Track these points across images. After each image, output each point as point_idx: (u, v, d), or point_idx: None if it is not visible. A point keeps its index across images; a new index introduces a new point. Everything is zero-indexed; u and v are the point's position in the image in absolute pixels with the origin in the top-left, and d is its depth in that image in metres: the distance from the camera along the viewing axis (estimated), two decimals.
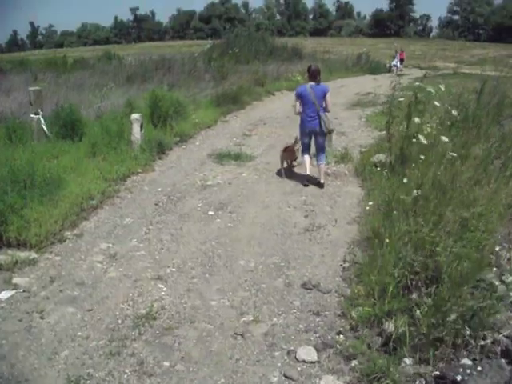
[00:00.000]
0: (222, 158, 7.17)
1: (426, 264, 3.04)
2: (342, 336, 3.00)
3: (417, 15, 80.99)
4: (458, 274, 2.83)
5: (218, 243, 4.39)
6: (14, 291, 3.50)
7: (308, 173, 6.03)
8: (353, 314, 3.10)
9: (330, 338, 3.01)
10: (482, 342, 2.50)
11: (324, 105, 5.73)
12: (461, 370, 2.29)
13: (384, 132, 6.53)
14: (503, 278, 2.86)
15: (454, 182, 3.93)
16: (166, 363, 2.81)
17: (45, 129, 6.65)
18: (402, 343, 2.66)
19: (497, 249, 3.24)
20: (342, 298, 3.42)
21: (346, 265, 3.92)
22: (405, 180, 4.12)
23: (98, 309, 3.34)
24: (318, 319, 3.23)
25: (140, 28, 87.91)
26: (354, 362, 2.73)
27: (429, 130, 5.15)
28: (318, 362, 2.81)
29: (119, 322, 3.19)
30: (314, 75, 5.70)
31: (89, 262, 4.02)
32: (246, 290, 3.61)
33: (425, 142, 3.67)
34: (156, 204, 5.36)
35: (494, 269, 3.01)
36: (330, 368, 2.76)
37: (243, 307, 3.39)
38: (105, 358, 2.84)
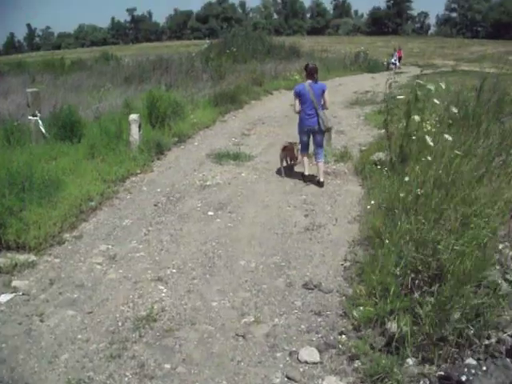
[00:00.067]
0: (220, 157, 7.14)
1: (428, 262, 3.01)
2: (344, 336, 2.98)
3: (414, 13, 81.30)
4: (461, 273, 2.81)
5: (218, 243, 4.37)
6: (13, 294, 3.48)
7: (306, 173, 6.09)
8: (355, 314, 3.07)
9: (332, 338, 2.99)
10: (487, 342, 2.48)
11: (322, 102, 5.76)
12: (465, 369, 2.26)
13: (383, 130, 6.50)
14: (507, 276, 2.84)
15: (456, 179, 3.90)
16: (167, 365, 2.79)
17: (43, 130, 6.62)
18: (405, 343, 2.64)
19: (500, 247, 3.22)
20: (344, 297, 3.40)
21: (347, 264, 3.90)
22: (406, 179, 4.10)
23: (98, 311, 3.31)
24: (319, 319, 3.21)
25: (137, 29, 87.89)
26: (356, 363, 2.71)
27: (429, 127, 5.13)
28: (321, 362, 2.79)
29: (119, 324, 3.17)
30: (311, 73, 5.73)
31: (88, 263, 4.00)
32: (247, 291, 3.59)
33: (431, 143, 3.62)
34: (155, 205, 5.33)
35: (498, 267, 2.98)
36: (333, 369, 2.74)
37: (244, 308, 3.36)
38: (105, 360, 2.81)
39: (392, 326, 2.76)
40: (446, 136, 3.53)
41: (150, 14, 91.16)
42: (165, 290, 3.58)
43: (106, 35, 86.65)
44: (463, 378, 2.23)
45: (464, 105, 6.26)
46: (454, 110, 5.40)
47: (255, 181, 6.18)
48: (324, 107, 5.78)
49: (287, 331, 3.09)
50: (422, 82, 5.41)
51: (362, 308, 3.09)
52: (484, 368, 2.25)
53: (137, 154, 6.61)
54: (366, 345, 2.79)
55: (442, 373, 2.39)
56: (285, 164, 6.45)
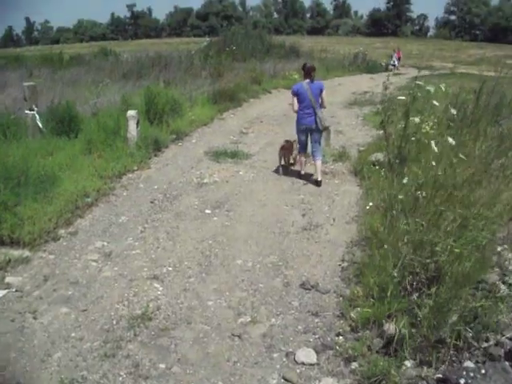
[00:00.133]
0: (218, 155, 7.10)
1: (426, 264, 2.99)
2: (341, 337, 2.95)
3: (414, 15, 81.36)
4: (459, 275, 2.79)
5: (214, 242, 4.33)
6: (6, 291, 3.43)
7: (303, 172, 6.15)
8: (352, 315, 3.05)
9: (329, 339, 2.97)
10: (485, 344, 2.46)
11: (320, 101, 5.77)
12: (464, 372, 2.24)
13: (382, 131, 6.49)
14: (506, 278, 2.82)
15: (454, 181, 3.88)
16: (162, 365, 2.76)
17: (40, 125, 6.56)
18: (403, 345, 2.62)
19: (499, 249, 3.20)
20: (341, 298, 3.38)
21: (345, 265, 3.88)
22: (405, 180, 4.07)
23: (93, 309, 3.27)
24: (316, 320, 3.18)
25: (137, 25, 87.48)
26: (354, 364, 2.69)
27: (427, 128, 5.11)
28: (318, 364, 2.77)
29: (114, 322, 3.13)
30: (309, 73, 5.77)
31: (83, 260, 3.95)
32: (244, 290, 3.55)
33: (436, 148, 3.60)
34: (152, 202, 5.28)
35: (497, 269, 2.96)
36: (330, 370, 2.71)
37: (241, 308, 3.33)
38: (99, 359, 2.77)
39: (390, 328, 2.74)
40: (450, 140, 3.50)
41: (149, 10, 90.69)
42: (160, 289, 3.54)
43: (105, 31, 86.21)
44: (462, 381, 2.21)
45: (463, 107, 6.25)
46: (453, 111, 5.39)
47: (253, 179, 6.15)
48: (322, 106, 5.81)
49: (284, 332, 3.06)
50: (421, 83, 5.39)
51: (359, 309, 3.07)
52: (483, 371, 2.22)
53: (134, 151, 6.56)
54: (363, 346, 2.77)
55: (440, 375, 2.37)
56: (283, 163, 6.42)
